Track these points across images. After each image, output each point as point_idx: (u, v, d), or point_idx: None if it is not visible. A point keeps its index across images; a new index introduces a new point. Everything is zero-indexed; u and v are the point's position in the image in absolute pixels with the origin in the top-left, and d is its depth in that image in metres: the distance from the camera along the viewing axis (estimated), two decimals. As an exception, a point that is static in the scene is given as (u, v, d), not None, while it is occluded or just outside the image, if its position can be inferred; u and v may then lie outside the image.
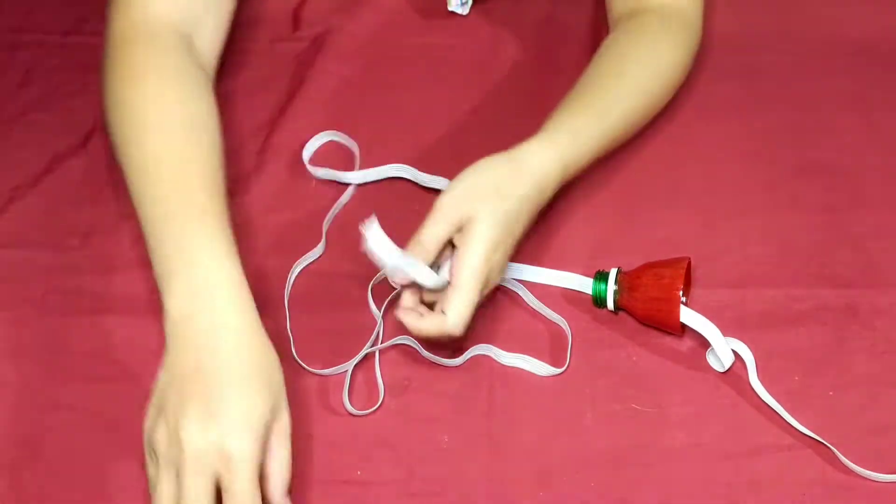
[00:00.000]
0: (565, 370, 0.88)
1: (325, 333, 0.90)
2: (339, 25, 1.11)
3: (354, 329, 0.91)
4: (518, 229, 0.86)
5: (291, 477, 0.79)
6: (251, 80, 1.07)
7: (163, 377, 0.78)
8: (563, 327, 0.90)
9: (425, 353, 0.89)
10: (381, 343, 0.90)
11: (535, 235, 0.94)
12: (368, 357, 0.89)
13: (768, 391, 0.86)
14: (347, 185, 0.99)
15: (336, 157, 1.02)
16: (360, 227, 0.83)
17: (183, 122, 0.86)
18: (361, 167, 1.01)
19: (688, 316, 0.87)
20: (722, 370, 0.88)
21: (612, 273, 0.90)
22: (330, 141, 1.03)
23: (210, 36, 0.96)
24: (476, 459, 0.84)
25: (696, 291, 0.93)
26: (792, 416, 0.85)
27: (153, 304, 0.92)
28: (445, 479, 0.83)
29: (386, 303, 0.91)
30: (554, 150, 0.88)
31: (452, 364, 0.89)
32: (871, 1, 1.14)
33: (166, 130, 0.85)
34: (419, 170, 1.00)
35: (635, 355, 0.89)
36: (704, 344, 0.88)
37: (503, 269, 0.87)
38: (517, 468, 0.84)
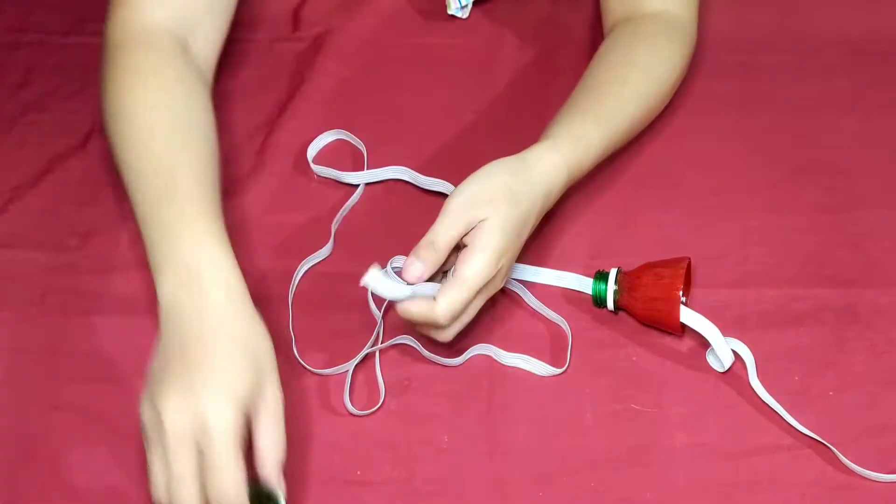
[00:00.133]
0: (565, 370, 0.88)
1: (326, 333, 0.90)
2: (339, 25, 1.11)
3: (355, 329, 0.91)
4: (525, 234, 0.86)
5: (287, 456, 0.76)
6: (251, 80, 1.07)
7: (154, 365, 0.78)
8: (563, 327, 0.91)
9: (425, 352, 0.89)
10: (382, 343, 0.90)
11: (536, 235, 0.94)
12: (369, 357, 0.89)
13: (768, 391, 0.86)
14: (347, 185, 0.99)
15: (337, 156, 1.02)
16: (361, 282, 0.81)
17: (175, 123, 0.86)
18: (360, 167, 1.01)
19: (688, 316, 0.87)
20: (722, 370, 0.88)
21: (612, 273, 0.90)
22: (333, 140, 1.03)
23: (207, 39, 0.95)
24: (476, 459, 0.84)
25: (696, 291, 0.93)
26: (792, 416, 0.85)
27: (153, 305, 0.92)
28: (445, 479, 0.83)
29: (386, 303, 0.91)
30: (560, 155, 0.88)
31: (452, 364, 0.89)
32: (870, 1, 1.14)
33: (158, 132, 0.85)
34: (420, 169, 1.00)
35: (635, 355, 0.89)
36: (704, 344, 0.88)
37: (508, 274, 0.87)
38: (517, 468, 0.84)
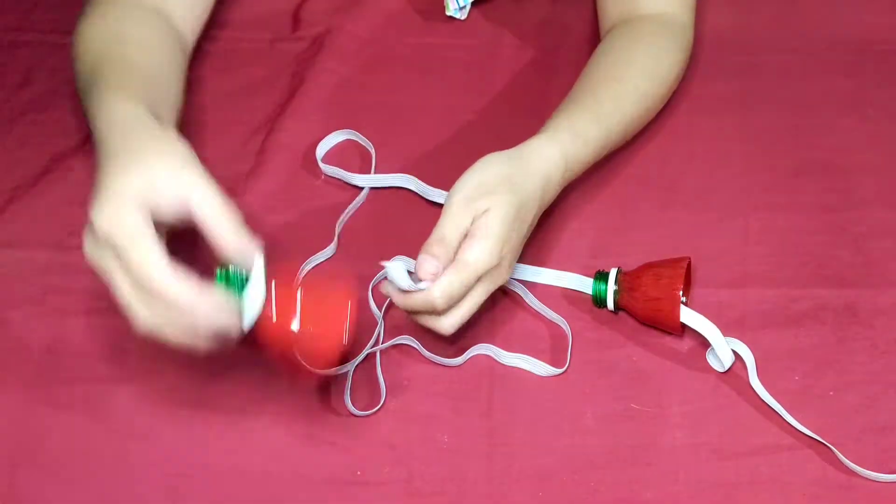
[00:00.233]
0: (565, 370, 0.88)
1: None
2: (339, 25, 1.11)
3: (355, 329, 0.90)
4: (525, 227, 0.86)
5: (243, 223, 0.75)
6: (251, 80, 1.07)
7: None
8: (563, 327, 0.91)
9: (426, 352, 0.89)
10: (382, 343, 0.90)
11: (536, 235, 0.94)
12: (369, 357, 0.89)
13: (768, 391, 0.86)
14: (353, 185, 0.99)
15: (344, 156, 1.02)
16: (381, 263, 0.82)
17: (115, 41, 0.90)
18: (366, 168, 1.01)
19: (688, 316, 0.87)
20: (722, 370, 0.88)
21: (612, 273, 0.90)
22: (338, 140, 1.03)
23: (186, 13, 0.98)
24: (476, 459, 0.84)
25: (696, 291, 0.93)
26: (792, 416, 0.85)
27: (153, 304, 0.92)
28: (445, 479, 0.83)
29: (386, 303, 0.91)
30: (557, 149, 0.88)
31: (452, 364, 0.89)
32: (870, 1, 1.14)
33: (89, 55, 0.89)
34: (419, 169, 1.00)
35: (635, 355, 0.89)
36: (704, 344, 0.88)
37: (511, 268, 0.86)
38: (517, 468, 0.84)
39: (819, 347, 0.89)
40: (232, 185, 0.98)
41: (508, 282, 0.92)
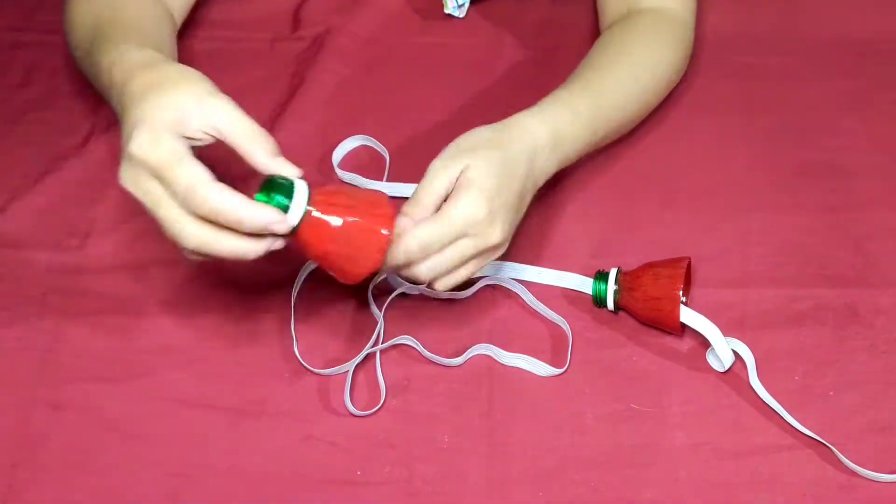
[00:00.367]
0: (565, 370, 0.88)
1: (327, 334, 0.90)
2: (339, 25, 1.11)
3: (355, 329, 0.91)
4: (515, 185, 0.83)
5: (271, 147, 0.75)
6: (251, 80, 1.07)
7: None
8: (564, 327, 0.91)
9: (426, 352, 0.89)
10: (382, 343, 0.90)
11: (536, 235, 0.94)
12: (369, 357, 0.89)
13: (768, 391, 0.86)
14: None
15: (356, 161, 1.02)
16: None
17: (99, 10, 0.91)
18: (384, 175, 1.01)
19: (688, 316, 0.87)
20: (722, 370, 0.88)
21: (612, 273, 0.90)
22: (353, 146, 1.03)
23: None
24: (476, 459, 0.84)
25: (696, 291, 0.93)
26: (792, 416, 0.85)
27: (153, 305, 0.92)
28: (445, 479, 0.83)
29: (386, 303, 0.91)
30: (543, 117, 0.87)
31: (452, 364, 0.89)
32: (871, 1, 1.14)
33: (86, 23, 0.91)
34: (419, 168, 0.99)
35: (635, 355, 0.89)
36: (704, 344, 0.88)
37: (508, 231, 0.83)
38: (517, 468, 0.84)
39: (819, 347, 0.89)
40: (232, 185, 0.98)
41: (508, 282, 0.92)
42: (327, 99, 1.06)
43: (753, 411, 0.86)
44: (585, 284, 0.92)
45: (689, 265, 0.91)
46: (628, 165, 1.00)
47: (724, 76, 1.07)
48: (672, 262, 0.89)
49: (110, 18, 0.89)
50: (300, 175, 0.75)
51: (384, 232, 0.76)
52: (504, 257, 0.88)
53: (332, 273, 0.78)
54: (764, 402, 0.86)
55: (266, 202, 0.73)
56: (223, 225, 0.73)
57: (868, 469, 0.83)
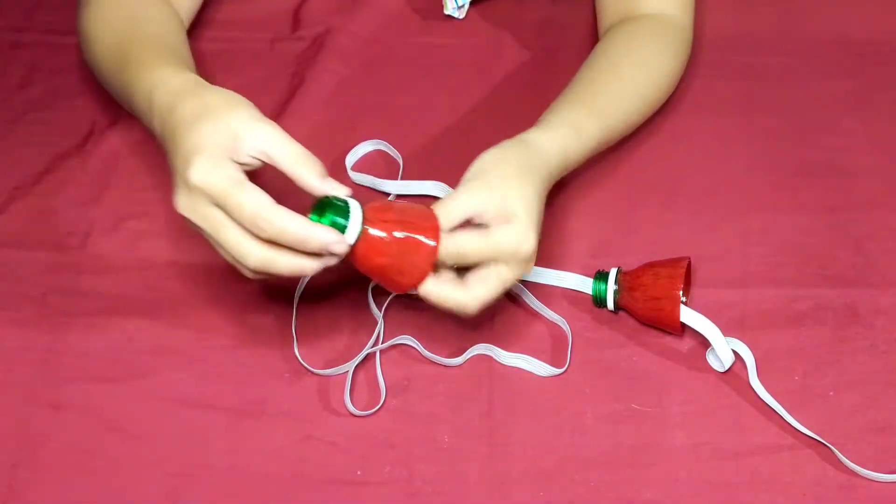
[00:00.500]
0: (565, 370, 0.88)
1: (327, 334, 0.90)
2: (339, 25, 1.11)
3: (355, 329, 0.91)
4: (541, 214, 0.84)
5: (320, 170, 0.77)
6: (251, 80, 1.07)
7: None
8: (564, 327, 0.91)
9: (426, 352, 0.89)
10: (382, 343, 0.90)
11: (536, 235, 0.94)
12: (369, 357, 0.89)
13: (768, 391, 0.86)
14: (380, 192, 0.99)
15: (369, 164, 1.02)
16: None
17: (126, 22, 0.92)
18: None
19: (688, 316, 0.87)
20: (722, 370, 0.88)
21: (612, 273, 0.90)
22: (367, 150, 1.03)
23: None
24: (476, 459, 0.84)
25: (696, 291, 0.93)
26: (792, 416, 0.85)
27: (153, 304, 0.92)
28: (445, 479, 0.83)
29: (386, 303, 0.91)
30: (557, 140, 0.88)
31: (452, 364, 0.89)
32: (871, 2, 1.14)
33: (113, 34, 0.92)
34: (419, 169, 1.00)
35: (635, 355, 0.89)
36: (704, 344, 0.88)
37: (534, 261, 0.84)
38: (517, 468, 0.84)
39: (819, 347, 0.89)
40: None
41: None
42: (327, 99, 1.06)
43: (753, 411, 0.86)
44: (585, 284, 0.92)
45: (689, 265, 0.91)
46: (628, 166, 1.00)
47: (724, 76, 1.07)
48: (672, 262, 0.89)
49: (135, 36, 0.90)
50: (349, 194, 0.77)
51: (432, 243, 0.79)
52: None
53: (382, 284, 0.81)
54: (764, 402, 0.86)
55: (320, 222, 0.76)
56: (285, 245, 0.75)
57: (868, 469, 0.83)
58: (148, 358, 0.89)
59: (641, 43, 0.99)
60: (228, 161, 0.75)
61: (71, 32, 1.11)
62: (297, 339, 0.89)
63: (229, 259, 0.77)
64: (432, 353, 0.89)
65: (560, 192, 0.97)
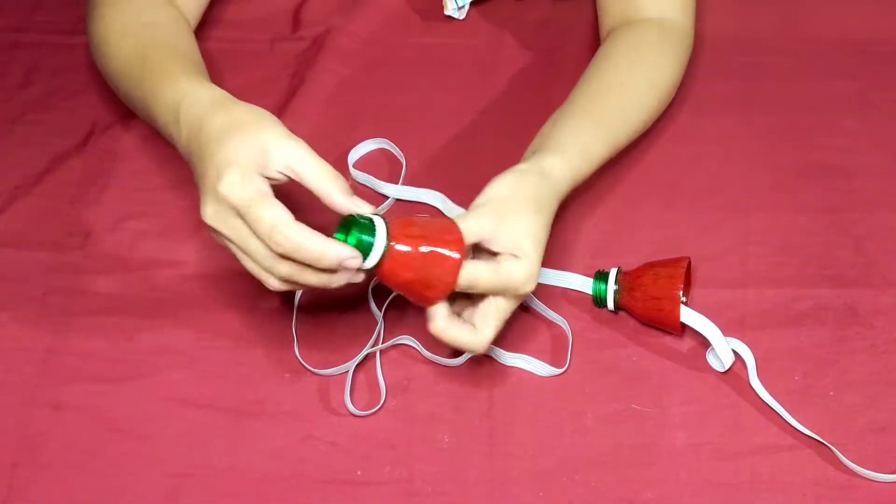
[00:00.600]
0: (565, 370, 0.88)
1: (327, 334, 0.90)
2: (339, 25, 1.11)
3: (355, 329, 0.91)
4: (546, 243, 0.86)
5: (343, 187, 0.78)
6: (251, 80, 1.07)
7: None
8: (564, 327, 0.91)
9: (426, 352, 0.89)
10: (382, 343, 0.90)
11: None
12: (369, 357, 0.89)
13: (768, 391, 0.86)
14: (380, 194, 0.99)
15: (371, 163, 1.02)
16: None
17: (141, 32, 0.92)
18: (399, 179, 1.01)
19: (688, 316, 0.87)
20: (722, 370, 0.88)
21: (612, 273, 0.90)
22: (371, 149, 1.03)
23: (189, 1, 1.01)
24: (476, 459, 0.84)
25: (696, 291, 0.93)
26: (792, 416, 0.85)
27: (153, 305, 0.92)
28: (445, 479, 0.83)
29: (386, 303, 0.91)
30: (568, 167, 0.88)
31: (452, 364, 0.89)
32: (871, 2, 1.14)
33: (129, 44, 0.92)
34: (419, 169, 1.00)
35: (635, 355, 0.89)
36: (704, 344, 0.88)
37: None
38: (517, 468, 0.84)
39: (819, 347, 0.89)
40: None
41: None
42: (327, 99, 1.06)
43: (753, 411, 0.86)
44: (585, 284, 0.92)
45: (689, 265, 0.91)
46: (628, 166, 1.00)
47: (725, 76, 1.07)
48: (672, 262, 0.89)
49: (153, 43, 0.91)
50: (373, 212, 0.78)
51: (457, 256, 0.79)
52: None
53: (410, 298, 0.82)
54: (764, 402, 0.86)
55: (344, 240, 0.77)
56: (302, 262, 0.76)
57: (868, 469, 0.83)
58: (148, 358, 0.89)
59: (645, 52, 0.98)
60: (257, 175, 0.76)
61: (72, 32, 1.11)
62: (297, 339, 0.90)
63: (255, 270, 0.78)
64: (432, 353, 0.89)
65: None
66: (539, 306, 0.92)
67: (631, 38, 0.99)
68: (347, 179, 0.99)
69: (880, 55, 1.09)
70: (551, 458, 0.84)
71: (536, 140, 0.92)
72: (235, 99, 0.82)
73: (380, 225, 0.78)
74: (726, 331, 0.88)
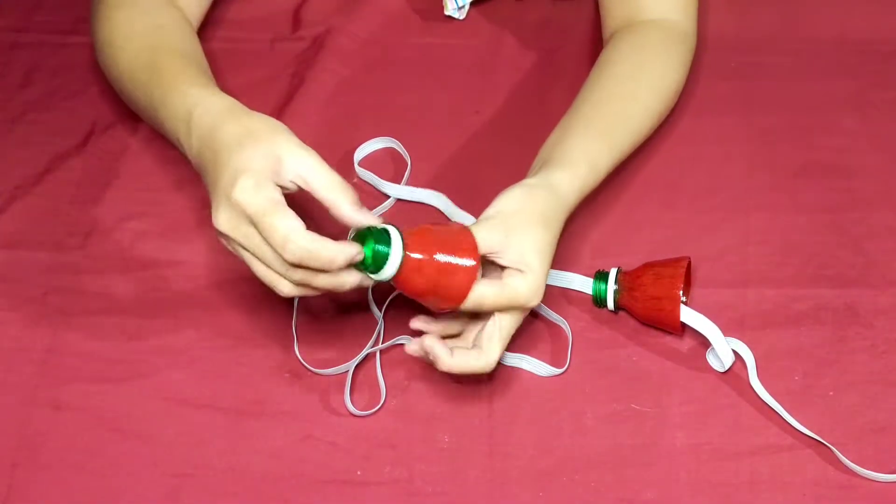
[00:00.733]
0: (565, 370, 0.88)
1: (327, 334, 0.90)
2: (339, 25, 1.11)
3: (355, 329, 0.91)
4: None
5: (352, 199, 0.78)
6: (251, 80, 1.07)
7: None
8: (564, 327, 0.91)
9: (425, 353, 0.89)
10: (382, 343, 0.90)
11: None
12: (369, 357, 0.89)
13: (768, 391, 0.86)
14: (382, 193, 0.99)
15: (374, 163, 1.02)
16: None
17: (147, 34, 0.93)
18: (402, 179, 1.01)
19: (688, 315, 0.87)
20: (722, 370, 0.88)
21: (612, 273, 0.90)
22: (377, 147, 1.03)
23: (191, 3, 1.01)
24: (476, 459, 0.84)
25: (696, 291, 0.93)
26: (792, 416, 0.85)
27: (152, 305, 0.92)
28: (445, 479, 0.83)
29: (386, 303, 0.91)
30: (576, 181, 0.88)
31: (452, 364, 0.89)
32: (871, 2, 1.14)
33: (135, 46, 0.92)
34: (420, 169, 1.00)
35: (635, 355, 0.89)
36: (704, 344, 0.88)
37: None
38: (517, 468, 0.84)
39: (819, 347, 0.89)
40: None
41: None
42: (327, 99, 1.06)
43: (753, 411, 0.86)
44: (585, 284, 0.92)
45: (689, 265, 0.91)
46: (628, 166, 1.00)
47: (724, 76, 1.07)
48: (672, 262, 0.89)
49: (160, 47, 0.91)
50: (383, 222, 0.79)
51: (472, 263, 0.80)
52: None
53: (427, 305, 0.82)
54: (764, 402, 0.86)
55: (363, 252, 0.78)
56: (314, 268, 0.76)
57: (868, 469, 0.83)
58: (148, 358, 0.89)
59: (649, 58, 0.98)
60: (271, 183, 0.77)
61: (72, 32, 1.11)
62: (297, 339, 0.89)
63: (267, 276, 0.78)
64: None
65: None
66: (539, 306, 0.92)
67: (634, 42, 0.99)
68: (352, 177, 1.00)
69: (880, 55, 1.09)
70: (551, 459, 0.84)
71: (543, 152, 0.92)
72: (246, 108, 0.83)
73: (395, 235, 0.78)
74: (726, 331, 0.88)
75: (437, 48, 1.10)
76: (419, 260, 0.79)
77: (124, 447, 0.85)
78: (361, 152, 1.02)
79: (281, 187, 0.78)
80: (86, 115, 1.05)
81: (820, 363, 0.89)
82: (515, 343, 0.90)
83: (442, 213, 0.98)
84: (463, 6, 1.11)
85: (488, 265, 0.84)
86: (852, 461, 0.83)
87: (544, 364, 0.89)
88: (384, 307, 0.91)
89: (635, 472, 0.83)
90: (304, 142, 1.03)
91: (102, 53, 0.96)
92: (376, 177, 0.99)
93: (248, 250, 0.78)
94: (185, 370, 0.89)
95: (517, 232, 0.82)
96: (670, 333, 0.90)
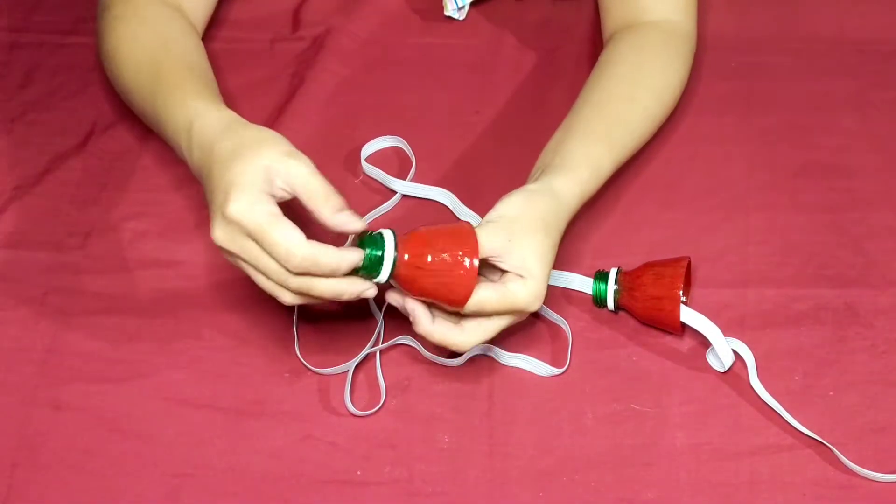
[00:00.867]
0: (565, 370, 0.88)
1: (327, 333, 0.90)
2: (339, 25, 1.10)
3: (355, 329, 0.91)
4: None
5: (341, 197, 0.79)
6: (251, 80, 1.07)
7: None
8: (564, 327, 0.91)
9: (426, 353, 0.89)
10: (382, 343, 0.90)
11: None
12: (369, 357, 0.89)
13: (768, 391, 0.86)
14: (389, 189, 0.99)
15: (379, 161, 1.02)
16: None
17: (154, 44, 0.93)
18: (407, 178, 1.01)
19: (688, 315, 0.87)
20: (722, 370, 0.88)
21: (612, 273, 0.90)
22: (383, 146, 1.03)
23: (196, 8, 1.01)
24: (476, 459, 0.84)
25: (696, 291, 0.93)
26: (792, 416, 0.85)
27: (153, 305, 0.92)
28: (445, 479, 0.83)
29: (386, 303, 0.91)
30: (578, 187, 0.89)
31: (452, 364, 0.89)
32: (871, 2, 1.14)
33: (142, 55, 0.93)
34: (420, 170, 1.00)
35: (635, 355, 0.89)
36: (704, 344, 0.88)
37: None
38: (517, 468, 0.84)
39: (819, 347, 0.89)
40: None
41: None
42: (327, 99, 1.06)
43: (753, 411, 0.86)
44: (585, 284, 0.92)
45: (689, 265, 0.91)
46: (628, 166, 1.00)
47: (724, 76, 1.07)
48: (672, 262, 0.89)
49: (166, 58, 0.91)
50: (365, 226, 0.79)
51: (472, 262, 0.80)
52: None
53: (435, 304, 0.82)
54: (764, 402, 0.86)
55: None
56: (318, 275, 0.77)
57: (868, 469, 0.83)
58: (148, 358, 0.89)
59: (650, 60, 0.98)
60: (265, 195, 0.77)
61: (72, 32, 1.11)
62: (297, 339, 0.89)
63: (268, 287, 0.79)
64: (432, 353, 0.89)
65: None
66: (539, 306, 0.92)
67: (634, 42, 0.99)
68: (358, 174, 1.00)
69: (879, 55, 1.09)
70: (551, 458, 0.84)
71: (544, 155, 0.92)
72: (245, 122, 0.83)
73: (388, 238, 0.79)
74: (726, 331, 0.88)
75: (437, 48, 1.10)
76: (415, 261, 0.79)
77: (124, 447, 0.85)
78: (368, 150, 1.01)
79: (276, 197, 0.78)
80: (86, 115, 1.05)
81: (820, 363, 0.89)
82: (515, 343, 0.90)
83: (449, 211, 0.98)
84: (463, 6, 1.11)
85: (487, 268, 0.84)
86: (852, 461, 0.83)
87: (544, 364, 0.89)
88: (384, 307, 0.91)
89: (635, 472, 0.83)
90: (304, 142, 1.03)
91: (108, 62, 0.96)
92: (384, 173, 0.99)
93: (247, 263, 0.78)
94: (185, 370, 0.89)
95: (519, 237, 0.82)
96: (670, 333, 0.90)
